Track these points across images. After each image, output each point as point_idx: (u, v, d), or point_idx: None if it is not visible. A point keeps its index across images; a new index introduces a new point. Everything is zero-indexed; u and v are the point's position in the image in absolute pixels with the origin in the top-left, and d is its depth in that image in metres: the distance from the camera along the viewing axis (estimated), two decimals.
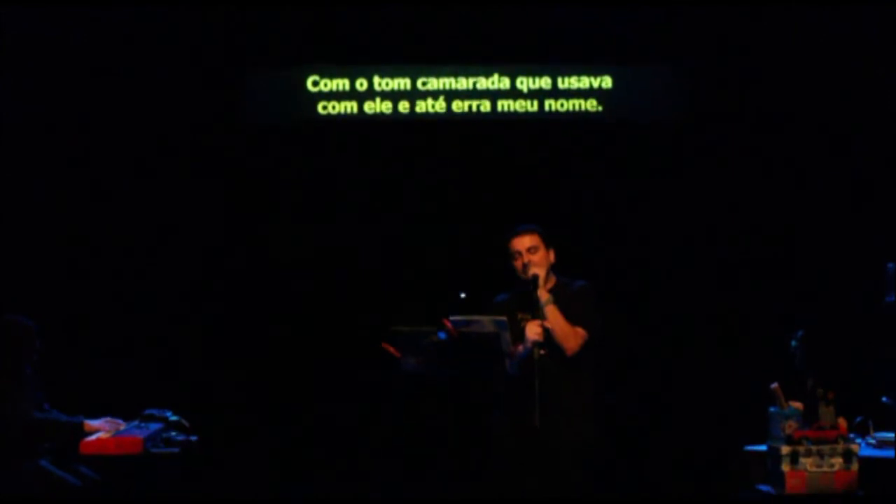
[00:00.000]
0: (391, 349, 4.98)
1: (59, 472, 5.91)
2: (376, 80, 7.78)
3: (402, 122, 7.80)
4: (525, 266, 5.24)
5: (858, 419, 5.80)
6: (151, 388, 6.95)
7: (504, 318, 5.05)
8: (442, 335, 4.92)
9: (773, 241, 7.76)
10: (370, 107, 7.77)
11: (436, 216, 7.72)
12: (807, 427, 5.23)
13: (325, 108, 7.77)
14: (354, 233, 7.75)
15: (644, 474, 7.50)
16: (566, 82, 7.82)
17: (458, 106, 7.79)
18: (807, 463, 5.16)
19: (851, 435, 5.43)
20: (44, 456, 5.97)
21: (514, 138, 7.81)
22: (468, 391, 5.71)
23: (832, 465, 5.17)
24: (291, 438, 7.57)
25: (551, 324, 5.11)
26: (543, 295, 5.17)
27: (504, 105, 7.80)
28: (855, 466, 5.17)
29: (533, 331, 5.09)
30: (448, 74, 7.79)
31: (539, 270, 5.20)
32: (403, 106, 7.78)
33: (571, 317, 5.17)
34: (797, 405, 5.36)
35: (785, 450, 5.17)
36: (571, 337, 5.16)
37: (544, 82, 7.82)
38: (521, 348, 5.12)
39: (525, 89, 7.81)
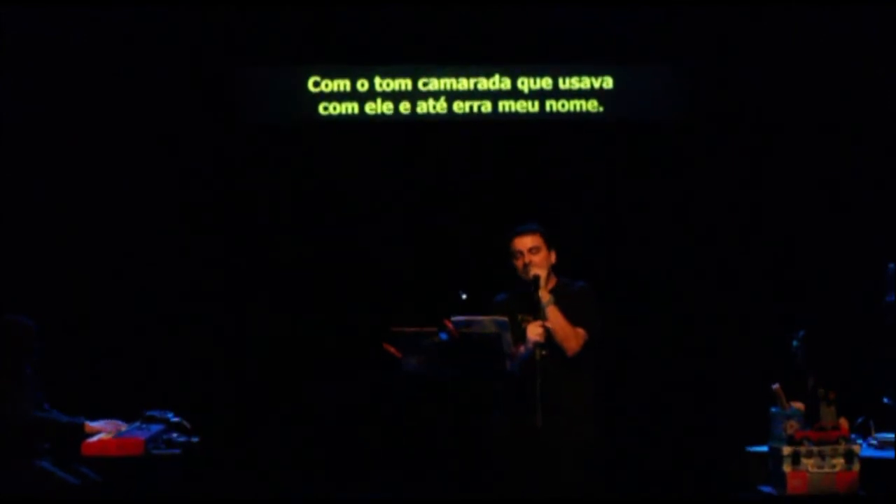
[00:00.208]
0: (392, 349, 4.97)
1: (59, 473, 5.91)
2: (377, 80, 7.77)
3: (403, 123, 7.80)
4: (526, 266, 5.23)
5: (860, 420, 5.81)
6: (152, 390, 6.94)
7: (505, 319, 5.04)
8: (443, 335, 4.92)
9: (773, 241, 7.77)
10: (371, 107, 7.77)
11: (437, 216, 7.72)
12: (808, 427, 5.23)
13: (325, 108, 7.76)
14: (355, 233, 7.74)
15: (644, 475, 7.50)
16: (567, 83, 7.82)
17: (460, 106, 7.79)
18: (808, 464, 5.16)
19: (853, 435, 5.42)
20: (44, 456, 5.97)
21: (516, 139, 7.81)
22: (468, 391, 5.71)
23: (833, 466, 5.17)
24: (292, 439, 7.57)
25: (552, 324, 5.11)
26: (545, 296, 5.17)
27: (505, 105, 7.80)
28: (856, 467, 5.18)
29: (534, 331, 5.09)
30: (449, 75, 7.78)
31: (540, 271, 5.19)
32: (404, 106, 7.78)
33: (572, 317, 5.17)
34: (798, 405, 5.36)
35: (786, 450, 5.17)
36: (572, 338, 5.16)
37: (545, 83, 7.82)
38: (522, 349, 5.12)
39: (526, 90, 7.81)
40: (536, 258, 5.24)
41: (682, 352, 7.69)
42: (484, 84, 7.81)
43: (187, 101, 7.62)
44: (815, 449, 5.17)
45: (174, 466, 5.89)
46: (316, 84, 7.78)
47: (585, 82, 7.84)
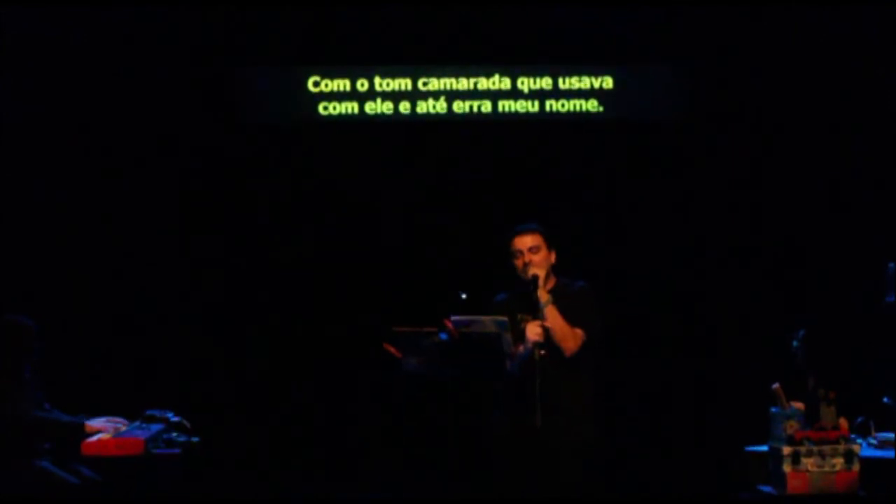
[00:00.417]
0: (392, 349, 4.97)
1: (59, 473, 5.91)
2: (377, 80, 7.78)
3: (403, 123, 7.80)
4: (525, 266, 5.23)
5: (860, 420, 5.80)
6: (152, 390, 6.95)
7: (505, 319, 5.04)
8: (443, 335, 4.91)
9: (773, 241, 7.77)
10: (371, 107, 7.77)
11: (437, 216, 7.72)
12: (808, 427, 5.22)
13: (325, 108, 7.76)
14: (355, 233, 7.74)
15: (644, 475, 7.50)
16: (567, 83, 7.82)
17: (459, 106, 7.79)
18: (808, 463, 5.16)
19: (853, 435, 5.42)
20: (44, 456, 5.97)
21: (516, 139, 7.81)
22: (468, 391, 5.71)
23: (833, 466, 5.16)
24: (292, 439, 7.57)
25: (551, 324, 5.10)
26: (543, 296, 5.16)
27: (505, 105, 7.80)
28: (856, 467, 5.16)
29: (533, 331, 5.09)
30: (449, 75, 7.79)
31: (539, 271, 5.19)
32: (404, 106, 7.78)
33: (571, 318, 5.16)
34: (798, 405, 5.35)
35: (786, 450, 5.17)
36: (570, 338, 5.15)
37: (545, 83, 7.82)
38: (521, 349, 5.12)
39: (526, 90, 7.82)
40: (536, 258, 5.23)
41: (682, 352, 7.69)
42: (484, 84, 7.81)
43: (187, 101, 7.62)
44: (815, 449, 5.16)
45: (174, 466, 5.89)
46: (316, 84, 7.78)
47: (585, 82, 7.85)
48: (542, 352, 5.03)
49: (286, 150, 7.79)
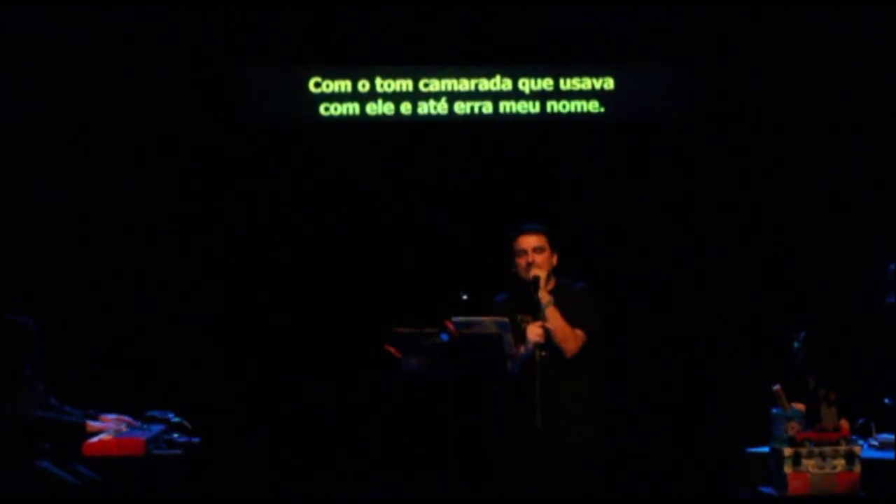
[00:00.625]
0: (393, 350, 4.97)
1: (59, 473, 5.91)
2: (378, 81, 7.77)
3: (404, 124, 7.80)
4: (529, 265, 5.22)
5: (861, 421, 5.80)
6: (153, 390, 6.94)
7: (506, 320, 5.04)
8: (444, 336, 4.91)
9: (773, 241, 7.77)
10: (372, 108, 7.77)
11: (437, 217, 7.72)
12: (809, 428, 5.23)
13: (326, 109, 7.76)
14: (355, 233, 7.74)
15: (644, 475, 7.50)
16: (568, 83, 7.82)
17: (461, 107, 7.79)
18: (809, 464, 5.16)
19: (854, 436, 5.42)
20: (44, 456, 5.97)
21: (517, 139, 7.81)
22: (468, 391, 5.70)
23: (834, 467, 5.16)
24: (292, 440, 7.57)
25: (551, 325, 5.10)
26: (545, 296, 5.15)
27: (506, 106, 7.81)
28: (857, 468, 5.17)
29: (534, 332, 5.09)
30: (450, 76, 7.79)
31: (541, 272, 5.18)
32: (405, 107, 7.77)
33: (571, 319, 5.16)
34: (799, 406, 5.35)
35: (787, 451, 5.17)
36: (571, 339, 5.15)
37: (546, 83, 7.83)
38: (522, 349, 5.12)
39: (527, 90, 7.82)
40: (540, 258, 5.23)
41: (682, 352, 7.69)
42: (485, 85, 7.81)
43: (187, 101, 7.61)
44: (815, 450, 5.17)
45: (175, 466, 5.90)
46: (317, 85, 7.77)
47: (586, 83, 7.85)
48: (543, 352, 5.03)
49: (286, 150, 7.78)
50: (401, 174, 7.76)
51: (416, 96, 7.78)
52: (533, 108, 7.82)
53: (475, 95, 7.80)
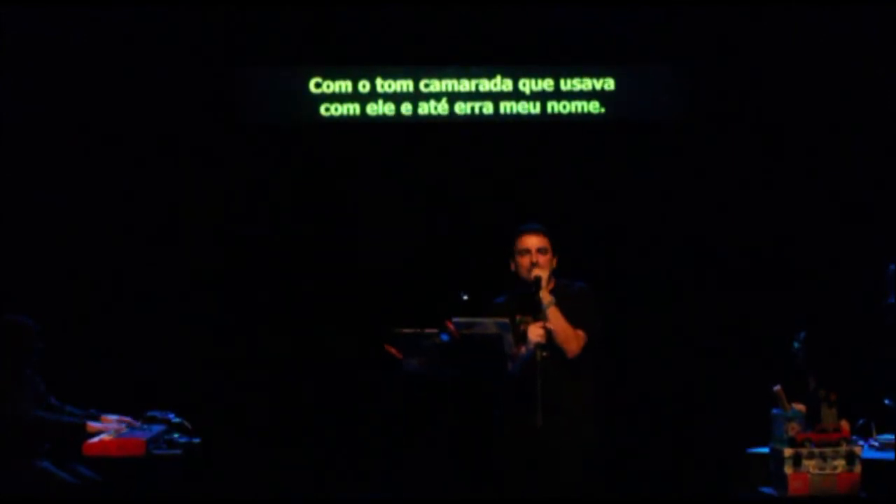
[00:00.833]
0: (393, 350, 4.97)
1: (59, 473, 5.91)
2: (379, 82, 7.77)
3: (404, 124, 7.79)
4: (532, 265, 5.21)
5: (861, 421, 5.80)
6: (154, 390, 6.94)
7: (506, 320, 5.04)
8: (444, 337, 4.92)
9: (773, 241, 7.77)
10: (373, 109, 7.76)
11: (438, 217, 7.71)
12: (809, 429, 5.23)
13: (327, 109, 7.76)
14: (355, 234, 7.74)
15: (644, 475, 7.50)
16: (569, 84, 7.82)
17: (461, 108, 7.78)
18: (809, 465, 5.16)
19: (854, 437, 5.43)
20: (44, 456, 5.98)
21: (517, 140, 7.80)
22: (468, 391, 5.71)
23: (835, 468, 5.17)
24: (293, 440, 7.57)
25: (553, 326, 5.10)
26: (546, 297, 5.15)
27: (507, 107, 7.80)
28: (857, 468, 5.17)
29: (535, 333, 5.08)
30: (450, 76, 7.78)
31: (543, 273, 5.18)
32: (406, 108, 7.77)
33: (571, 319, 5.16)
34: (800, 407, 5.36)
35: (787, 452, 5.17)
36: (572, 339, 5.15)
37: (547, 84, 7.82)
38: (523, 350, 5.12)
39: (528, 91, 7.81)
40: (542, 259, 5.22)
41: (682, 352, 7.69)
42: (485, 85, 7.81)
43: (187, 101, 7.61)
44: (816, 450, 5.17)
45: (175, 467, 5.90)
46: (317, 85, 7.77)
47: (587, 83, 7.84)
48: (544, 353, 5.03)
49: (287, 150, 7.78)
50: (401, 175, 7.75)
51: (416, 97, 7.77)
52: (533, 108, 7.81)
53: (476, 96, 7.80)
